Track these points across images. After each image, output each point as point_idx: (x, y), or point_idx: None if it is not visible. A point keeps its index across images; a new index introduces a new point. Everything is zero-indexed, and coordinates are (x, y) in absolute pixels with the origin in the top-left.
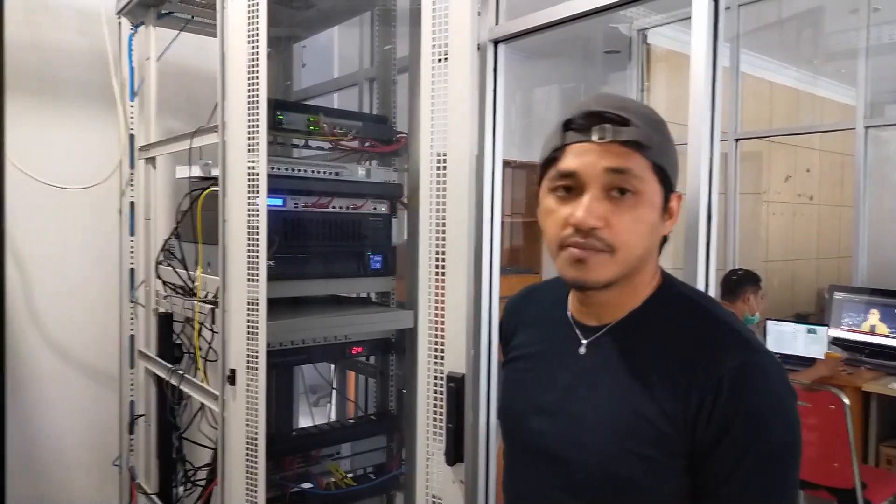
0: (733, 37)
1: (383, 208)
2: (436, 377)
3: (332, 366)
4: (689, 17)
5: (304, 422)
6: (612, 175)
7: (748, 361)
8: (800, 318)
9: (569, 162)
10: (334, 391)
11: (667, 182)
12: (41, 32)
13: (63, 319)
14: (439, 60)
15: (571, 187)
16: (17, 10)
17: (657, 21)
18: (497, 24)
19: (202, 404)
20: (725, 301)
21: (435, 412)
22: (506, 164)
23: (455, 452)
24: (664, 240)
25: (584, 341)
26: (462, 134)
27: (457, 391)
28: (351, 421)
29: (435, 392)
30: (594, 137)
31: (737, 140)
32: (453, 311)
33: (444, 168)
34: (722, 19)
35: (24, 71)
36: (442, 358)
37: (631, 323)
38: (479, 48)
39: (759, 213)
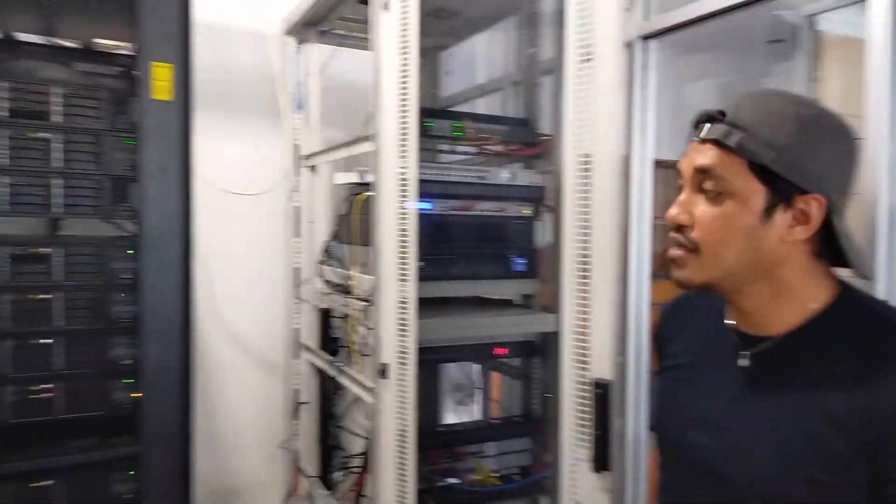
0: None
1: (527, 211)
2: (581, 383)
3: (475, 365)
4: None
5: (449, 419)
6: (698, 174)
7: None
8: None
9: (680, 160)
10: (478, 390)
11: (777, 183)
12: (220, 54)
13: (238, 313)
14: (584, 60)
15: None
16: (202, 35)
17: (828, 5)
18: (647, 19)
19: (357, 395)
20: None
21: (580, 418)
22: (658, 163)
23: (602, 460)
24: (829, 245)
25: (745, 352)
26: (608, 134)
27: (603, 398)
28: (495, 421)
29: (580, 398)
30: (695, 137)
31: None
32: (599, 316)
33: (590, 169)
34: None
35: (207, 89)
36: (588, 363)
37: (803, 335)
38: (628, 45)
39: None
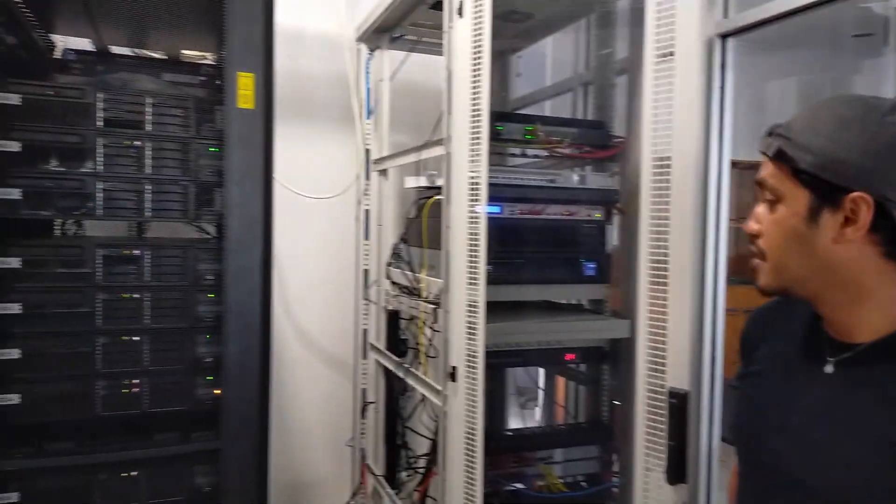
0: None
1: (598, 214)
2: (655, 391)
3: (541, 370)
4: None
5: (515, 423)
6: (760, 186)
7: None
8: None
9: None
10: (544, 395)
11: (818, 185)
12: (296, 61)
13: (309, 313)
14: (663, 58)
15: None
16: (279, 43)
17: None
18: (725, 17)
19: (423, 396)
20: None
21: (654, 427)
22: (733, 164)
23: (677, 472)
24: None
25: (831, 359)
26: (688, 135)
27: (680, 408)
28: (562, 427)
29: (654, 407)
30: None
31: None
32: (677, 323)
33: (667, 172)
34: None
35: (283, 95)
36: (663, 372)
37: (892, 343)
38: (706, 44)
39: None
